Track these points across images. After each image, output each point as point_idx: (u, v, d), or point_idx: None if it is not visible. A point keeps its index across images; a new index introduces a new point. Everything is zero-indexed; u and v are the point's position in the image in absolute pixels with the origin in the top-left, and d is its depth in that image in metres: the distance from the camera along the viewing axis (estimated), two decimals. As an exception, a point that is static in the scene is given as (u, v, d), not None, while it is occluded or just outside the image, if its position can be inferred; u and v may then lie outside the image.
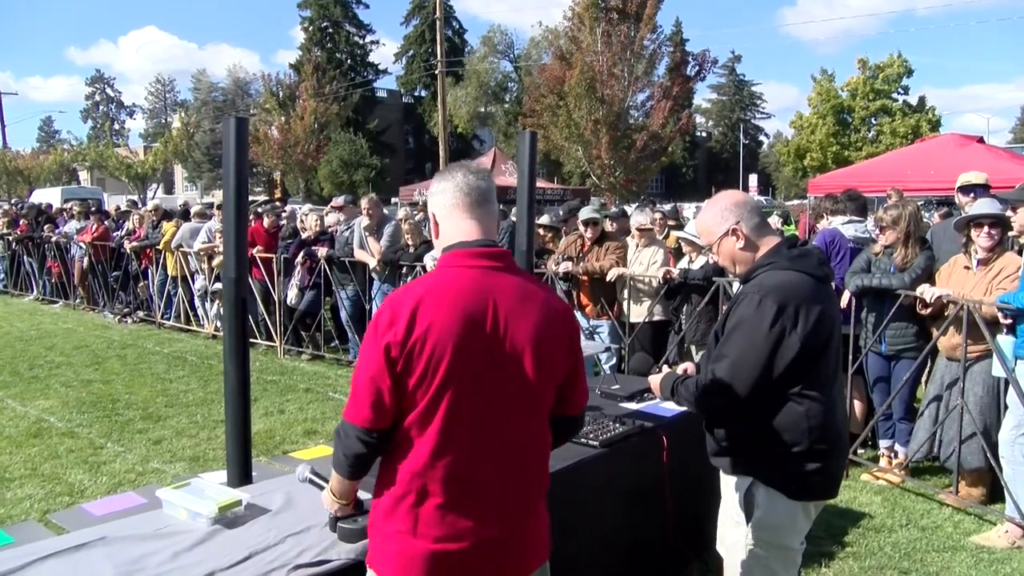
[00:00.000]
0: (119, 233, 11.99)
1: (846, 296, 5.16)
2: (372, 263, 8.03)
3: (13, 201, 21.45)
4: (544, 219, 7.66)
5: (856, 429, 5.38)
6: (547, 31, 33.68)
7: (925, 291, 4.71)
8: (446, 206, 1.99)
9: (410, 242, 7.87)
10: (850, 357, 5.10)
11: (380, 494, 1.92)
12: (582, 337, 6.41)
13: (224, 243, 3.29)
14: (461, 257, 1.90)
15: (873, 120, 42.57)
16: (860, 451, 5.46)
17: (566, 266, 6.52)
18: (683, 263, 6.30)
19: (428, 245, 7.84)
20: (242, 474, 3.32)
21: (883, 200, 6.74)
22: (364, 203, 8.25)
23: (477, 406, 1.84)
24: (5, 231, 14.52)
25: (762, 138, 67.93)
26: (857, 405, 5.49)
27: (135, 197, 27.80)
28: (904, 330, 5.00)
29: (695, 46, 34.04)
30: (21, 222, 14.51)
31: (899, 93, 43.24)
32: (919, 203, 6.26)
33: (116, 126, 73.51)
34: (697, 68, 29.27)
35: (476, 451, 1.85)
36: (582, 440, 3.24)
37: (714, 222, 2.58)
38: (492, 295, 1.86)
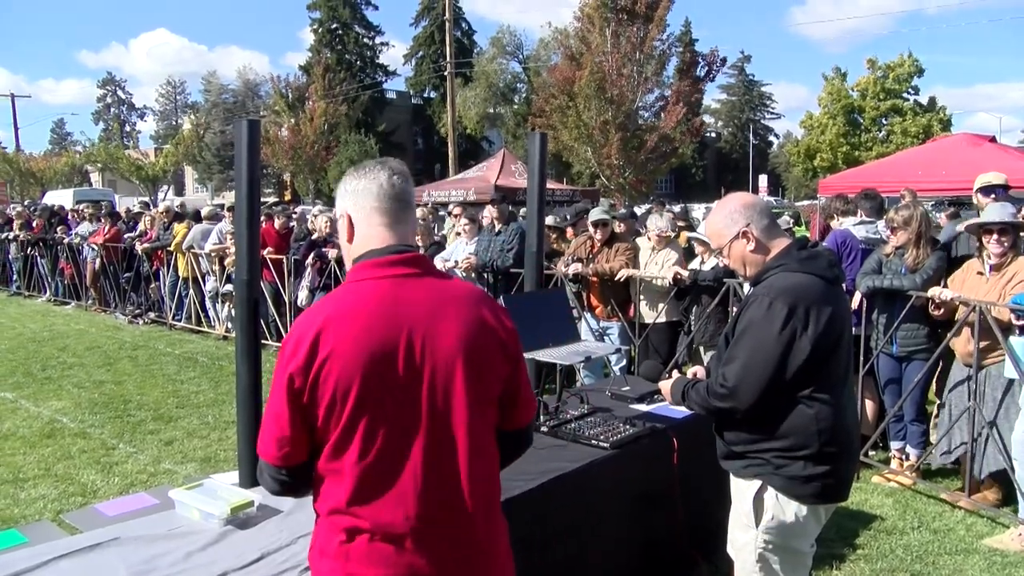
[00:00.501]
0: (131, 235, 12.05)
1: (857, 297, 5.14)
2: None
3: (26, 203, 21.59)
4: (548, 220, 7.65)
5: (867, 431, 5.36)
6: (556, 31, 33.65)
7: (936, 293, 4.69)
8: (365, 208, 1.78)
9: (420, 243, 7.88)
10: (861, 358, 5.08)
11: (314, 531, 1.77)
12: (590, 337, 6.32)
13: (236, 245, 3.31)
14: (370, 268, 1.73)
15: (884, 120, 42.39)
16: (871, 453, 5.43)
17: (576, 267, 6.52)
18: (694, 264, 6.29)
19: (439, 246, 7.87)
20: (253, 475, 3.34)
21: (896, 201, 6.71)
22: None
23: (399, 433, 1.65)
24: (19, 232, 14.61)
25: (772, 138, 67.76)
26: (868, 406, 5.47)
27: (146, 199, 27.91)
28: (916, 332, 4.98)
29: (704, 46, 34.02)
30: (34, 223, 14.62)
31: (910, 93, 43.06)
32: (929, 204, 6.23)
33: (127, 128, 74.02)
34: (707, 68, 29.21)
35: (406, 482, 1.66)
36: (592, 441, 3.25)
37: (724, 225, 2.58)
38: (406, 307, 1.68)
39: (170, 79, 71.97)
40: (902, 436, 5.22)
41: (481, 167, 18.41)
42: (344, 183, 1.84)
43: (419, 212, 8.68)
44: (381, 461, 1.64)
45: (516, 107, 49.20)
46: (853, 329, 4.92)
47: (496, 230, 7.26)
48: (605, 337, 6.51)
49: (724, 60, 30.02)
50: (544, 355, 3.62)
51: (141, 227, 12.10)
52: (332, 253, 8.50)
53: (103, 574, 2.32)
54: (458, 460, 1.71)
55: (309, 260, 8.67)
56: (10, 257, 15.11)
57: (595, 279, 6.52)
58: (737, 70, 63.58)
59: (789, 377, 2.38)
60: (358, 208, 1.79)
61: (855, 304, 5.10)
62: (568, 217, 7.67)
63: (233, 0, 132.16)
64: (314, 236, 8.93)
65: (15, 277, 15.08)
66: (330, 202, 24.63)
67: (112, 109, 75.08)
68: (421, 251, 1.94)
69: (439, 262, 7.40)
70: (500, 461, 1.87)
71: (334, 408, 1.62)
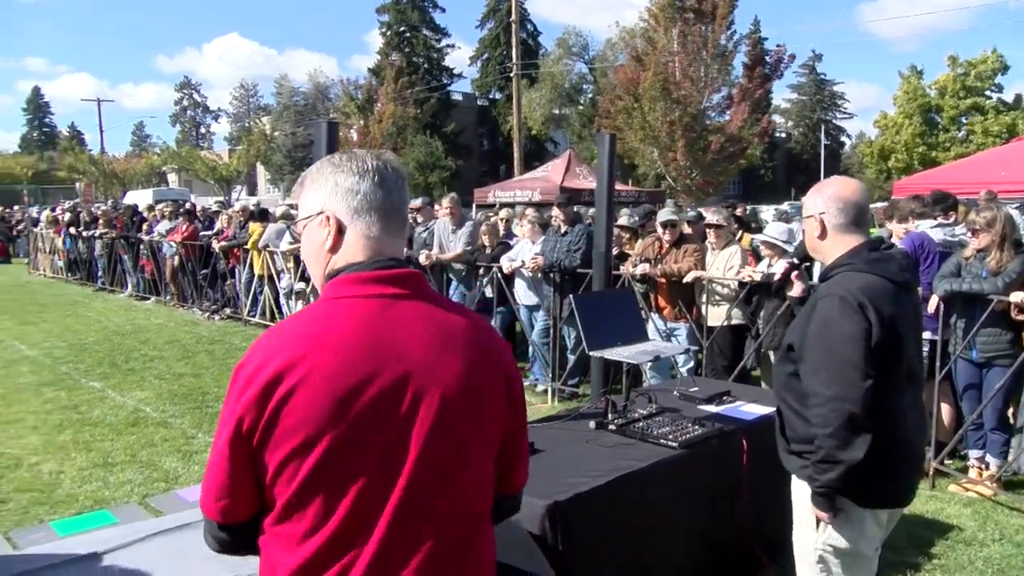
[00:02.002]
0: (207, 233, 12.47)
1: (934, 300, 5.01)
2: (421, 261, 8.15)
3: (109, 202, 22.51)
4: (623, 220, 7.65)
5: (944, 437, 5.22)
6: (623, 31, 33.49)
7: (1021, 298, 4.55)
8: (356, 210, 1.44)
9: (487, 243, 7.97)
10: (938, 363, 4.95)
11: None
12: (657, 338, 6.26)
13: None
14: (351, 284, 1.39)
15: (963, 119, 40.87)
16: (948, 461, 5.28)
17: (644, 268, 6.51)
18: (762, 266, 6.21)
19: (505, 246, 7.93)
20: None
21: (975, 203, 6.50)
22: (445, 202, 8.40)
23: (372, 498, 1.32)
24: (103, 231, 15.28)
25: (844, 139, 66.03)
26: (945, 412, 5.32)
27: (222, 198, 28.79)
28: (997, 337, 4.83)
29: (772, 44, 33.33)
30: (117, 222, 15.25)
31: (993, 90, 41.41)
32: (1013, 206, 6.02)
33: (202, 130, 76.44)
34: (774, 66, 28.65)
35: (371, 561, 1.32)
36: (660, 441, 3.26)
37: (811, 201, 2.61)
38: (397, 336, 1.36)
39: (243, 82, 74.06)
40: (982, 445, 5.06)
41: (546, 168, 18.45)
42: (330, 174, 1.47)
43: (504, 212, 8.76)
44: (344, 532, 1.31)
45: (581, 108, 49.07)
46: (929, 334, 4.85)
47: (562, 231, 7.29)
48: (672, 338, 6.48)
49: (792, 57, 29.41)
50: (613, 354, 3.64)
51: (218, 225, 12.52)
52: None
53: (189, 551, 2.44)
54: (440, 531, 1.38)
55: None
56: (95, 254, 15.81)
57: (663, 280, 6.50)
58: (808, 69, 62.16)
59: None
60: (352, 211, 1.44)
61: (931, 308, 4.97)
62: (637, 218, 7.65)
63: (301, 4, 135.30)
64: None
65: (100, 273, 15.76)
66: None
67: (188, 112, 77.60)
68: (413, 267, 1.60)
69: (505, 262, 7.47)
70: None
71: (292, 459, 1.29)
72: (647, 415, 3.60)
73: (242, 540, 1.41)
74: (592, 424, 3.51)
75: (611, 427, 3.45)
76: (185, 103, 77.72)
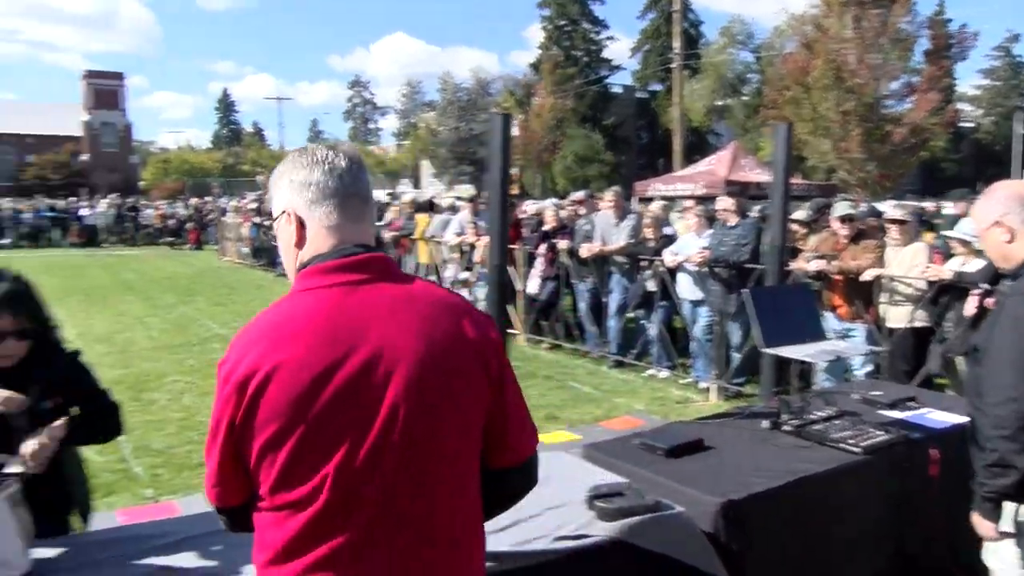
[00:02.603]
0: (378, 223, 13.08)
1: None
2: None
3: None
4: (799, 214, 7.31)
5: None
6: (792, 18, 32.05)
7: None
8: (315, 203, 1.47)
9: (651, 236, 7.88)
10: None
11: None
12: (831, 337, 5.93)
13: (489, 231, 3.51)
14: (315, 275, 1.43)
15: None
16: None
17: (818, 264, 6.21)
18: (952, 264, 5.77)
19: (669, 239, 7.81)
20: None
21: None
22: (608, 195, 8.39)
23: (349, 475, 1.36)
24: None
25: (1043, 128, 60.04)
26: None
27: (392, 191, 30.13)
28: None
29: (957, 25, 30.75)
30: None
31: None
32: None
33: (371, 126, 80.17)
34: (958, 49, 26.47)
35: (355, 534, 1.37)
36: (840, 445, 3.11)
37: (983, 212, 2.45)
38: (359, 319, 1.39)
39: (409, 80, 76.95)
40: None
41: (710, 161, 17.95)
42: (288, 172, 1.51)
43: (653, 207, 8.65)
44: (327, 513, 1.36)
45: (746, 99, 47.40)
46: None
47: (730, 224, 7.09)
48: (847, 339, 6.15)
49: (976, 35, 27.07)
50: (790, 351, 3.51)
51: (388, 216, 13.11)
52: (562, 244, 8.72)
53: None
54: (426, 508, 1.41)
55: (541, 250, 8.95)
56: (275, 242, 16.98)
57: (839, 277, 6.18)
58: (1002, 52, 56.99)
59: None
60: (308, 203, 1.47)
61: None
62: (811, 212, 7.31)
63: (464, 1, 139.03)
64: (546, 227, 9.20)
65: (279, 259, 16.90)
66: (555, 196, 25.16)
67: (358, 109, 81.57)
68: (385, 250, 1.64)
69: (668, 256, 7.36)
70: (486, 508, 1.55)
71: (269, 448, 1.36)
72: (826, 417, 3.45)
73: (238, 521, 1.49)
74: (765, 424, 3.40)
75: (786, 428, 3.33)
76: (355, 100, 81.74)
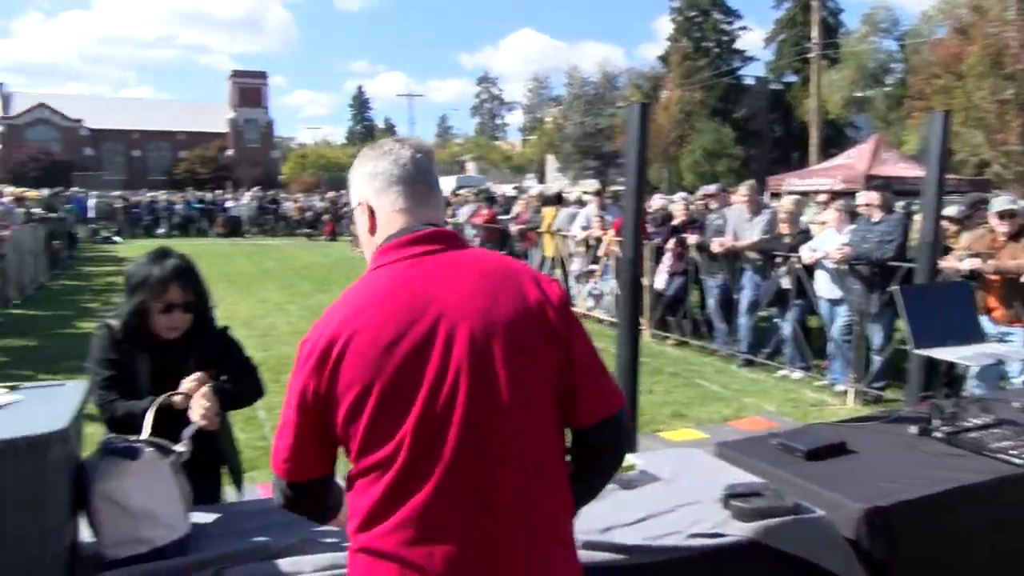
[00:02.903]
0: (505, 217, 13.24)
1: None
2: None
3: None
4: (949, 210, 6.85)
5: None
6: (944, 2, 30.03)
7: None
8: (385, 193, 1.57)
9: (786, 231, 7.58)
10: None
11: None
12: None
13: (624, 222, 3.47)
14: (386, 253, 1.54)
15: None
16: None
17: (973, 263, 5.80)
18: None
19: (805, 235, 7.51)
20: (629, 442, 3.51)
21: None
22: (742, 189, 8.14)
23: (426, 439, 1.40)
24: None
25: None
26: None
27: (519, 184, 30.46)
28: None
29: None
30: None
31: None
32: None
33: (498, 121, 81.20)
34: None
35: (430, 500, 1.41)
36: (1000, 455, 2.90)
37: None
38: (426, 288, 1.46)
39: (536, 75, 77.39)
40: None
41: (849, 154, 17.11)
42: (360, 166, 1.63)
43: (786, 201, 8.34)
44: (403, 472, 1.41)
45: (888, 89, 44.88)
46: None
47: (874, 219, 6.72)
48: (1004, 343, 5.72)
49: None
50: (943, 353, 3.29)
51: (515, 209, 13.24)
52: (691, 239, 8.54)
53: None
54: (486, 478, 1.42)
55: (669, 245, 8.80)
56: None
57: (996, 278, 5.74)
58: None
59: None
60: (378, 194, 1.58)
61: None
62: (963, 208, 6.84)
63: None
64: (675, 222, 9.04)
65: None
66: (681, 191, 24.64)
67: (486, 104, 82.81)
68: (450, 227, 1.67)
69: (806, 252, 7.07)
70: (578, 468, 1.57)
71: (351, 415, 1.43)
72: (982, 425, 3.22)
73: (304, 497, 1.57)
74: (913, 429, 3.21)
75: (936, 434, 3.13)
76: (483, 96, 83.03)
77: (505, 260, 1.60)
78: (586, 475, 1.60)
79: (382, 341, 1.41)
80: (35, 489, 1.84)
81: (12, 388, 2.20)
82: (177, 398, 2.39)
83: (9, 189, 16.08)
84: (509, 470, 1.44)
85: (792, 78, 50.31)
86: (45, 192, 22.27)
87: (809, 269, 7.15)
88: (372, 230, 1.59)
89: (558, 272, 11.19)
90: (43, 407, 2.02)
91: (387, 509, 1.42)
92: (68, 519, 2.03)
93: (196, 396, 2.37)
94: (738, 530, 2.36)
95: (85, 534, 2.15)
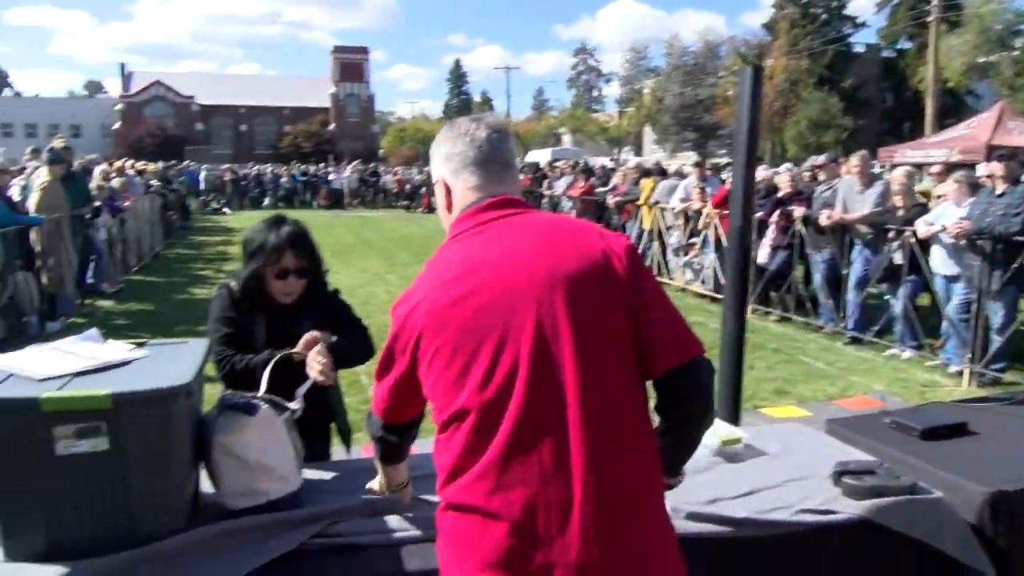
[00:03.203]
0: (603, 189, 13.11)
1: None
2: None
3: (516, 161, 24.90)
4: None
5: None
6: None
7: None
8: (460, 172, 1.65)
9: (900, 204, 7.23)
10: None
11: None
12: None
13: (733, 190, 3.37)
14: (461, 223, 1.62)
15: None
16: None
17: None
18: None
19: (922, 208, 7.14)
20: (731, 417, 3.44)
21: None
22: (854, 160, 7.79)
23: (492, 393, 1.45)
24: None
25: None
26: None
27: (615, 157, 30.14)
28: None
29: None
30: (523, 179, 16.77)
31: None
32: None
33: (594, 93, 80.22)
34: None
35: (509, 456, 1.43)
36: None
37: None
38: (496, 249, 1.53)
39: (634, 45, 75.91)
40: None
41: (970, 123, 16.13)
42: (439, 146, 1.71)
43: (898, 173, 7.94)
44: (479, 424, 1.45)
45: (1016, 54, 41.99)
46: None
47: (998, 191, 6.32)
48: None
49: None
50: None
51: (613, 181, 13.09)
52: (798, 211, 8.24)
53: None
54: (557, 430, 1.43)
55: (773, 218, 8.52)
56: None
57: None
58: None
59: None
60: (452, 171, 1.67)
61: None
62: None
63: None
64: (780, 194, 8.74)
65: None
66: (779, 163, 23.86)
67: (582, 76, 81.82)
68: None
69: (921, 226, 6.72)
70: (663, 420, 1.58)
71: (433, 367, 1.52)
72: None
73: (395, 437, 1.80)
74: (1042, 411, 3.02)
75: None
76: (580, 68, 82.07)
77: (570, 219, 1.66)
78: (673, 427, 1.60)
79: (454, 302, 1.49)
80: (162, 440, 1.93)
81: (139, 345, 2.32)
82: (296, 351, 2.46)
83: (130, 163, 16.97)
84: (580, 427, 1.43)
85: (907, 44, 47.67)
86: (160, 165, 23.40)
87: (924, 244, 6.81)
88: (448, 207, 1.68)
89: (655, 245, 11.03)
90: (168, 363, 2.11)
91: (466, 463, 1.47)
92: (191, 470, 2.14)
93: (312, 353, 2.44)
94: (849, 508, 2.28)
95: (205, 485, 2.26)
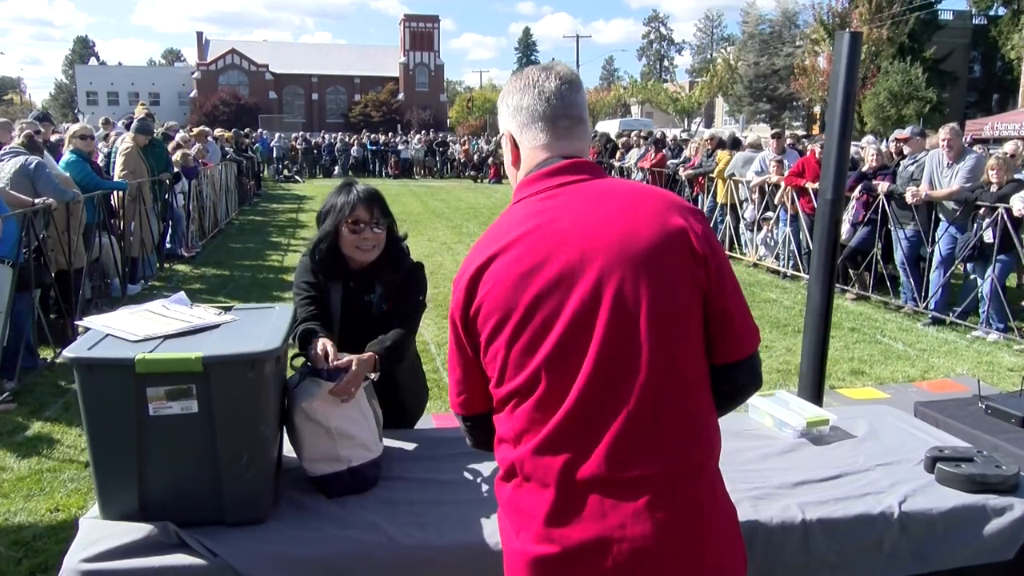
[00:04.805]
0: (675, 161, 12.84)
1: None
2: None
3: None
4: None
5: None
6: None
7: None
8: (528, 125, 1.54)
9: (995, 179, 6.88)
10: None
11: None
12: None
13: (824, 161, 3.23)
14: (529, 184, 1.51)
15: None
16: None
17: None
18: None
19: (1018, 184, 6.79)
20: (815, 395, 3.34)
21: None
22: (943, 132, 7.43)
23: (556, 365, 1.39)
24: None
25: None
26: None
27: (685, 129, 29.55)
28: None
29: None
30: (591, 150, 16.56)
31: None
32: None
33: (665, 63, 78.69)
34: None
35: (571, 426, 1.39)
36: None
37: None
38: (565, 218, 1.43)
39: (708, 12, 74.06)
40: None
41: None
42: (506, 97, 1.59)
43: (1005, 146, 7.55)
44: (545, 396, 1.40)
45: (1120, 21, 39.48)
46: None
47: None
48: None
49: None
50: None
51: (686, 153, 12.81)
52: (882, 186, 7.93)
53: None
54: (622, 405, 1.37)
55: (855, 193, 8.22)
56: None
57: None
58: None
59: None
60: (520, 126, 1.55)
61: None
62: None
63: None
64: (864, 168, 8.42)
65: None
66: (859, 138, 23.03)
67: (654, 45, 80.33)
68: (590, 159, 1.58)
69: (1017, 202, 6.39)
70: (719, 404, 1.50)
71: (493, 338, 1.44)
72: None
73: (481, 430, 1.59)
74: None
75: None
76: (651, 37, 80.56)
77: (646, 188, 1.54)
78: (725, 403, 1.56)
79: (519, 272, 1.42)
80: (251, 403, 1.96)
81: (226, 309, 2.35)
82: (317, 354, 2.26)
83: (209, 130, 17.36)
84: (651, 402, 1.38)
85: (1000, 11, 45.29)
86: (235, 133, 23.89)
87: (1018, 222, 6.47)
88: (515, 162, 1.59)
89: (729, 219, 10.79)
90: (257, 327, 2.14)
91: (531, 432, 1.43)
92: (276, 434, 2.16)
93: (350, 375, 2.22)
94: (945, 495, 2.19)
95: (287, 450, 2.29)
